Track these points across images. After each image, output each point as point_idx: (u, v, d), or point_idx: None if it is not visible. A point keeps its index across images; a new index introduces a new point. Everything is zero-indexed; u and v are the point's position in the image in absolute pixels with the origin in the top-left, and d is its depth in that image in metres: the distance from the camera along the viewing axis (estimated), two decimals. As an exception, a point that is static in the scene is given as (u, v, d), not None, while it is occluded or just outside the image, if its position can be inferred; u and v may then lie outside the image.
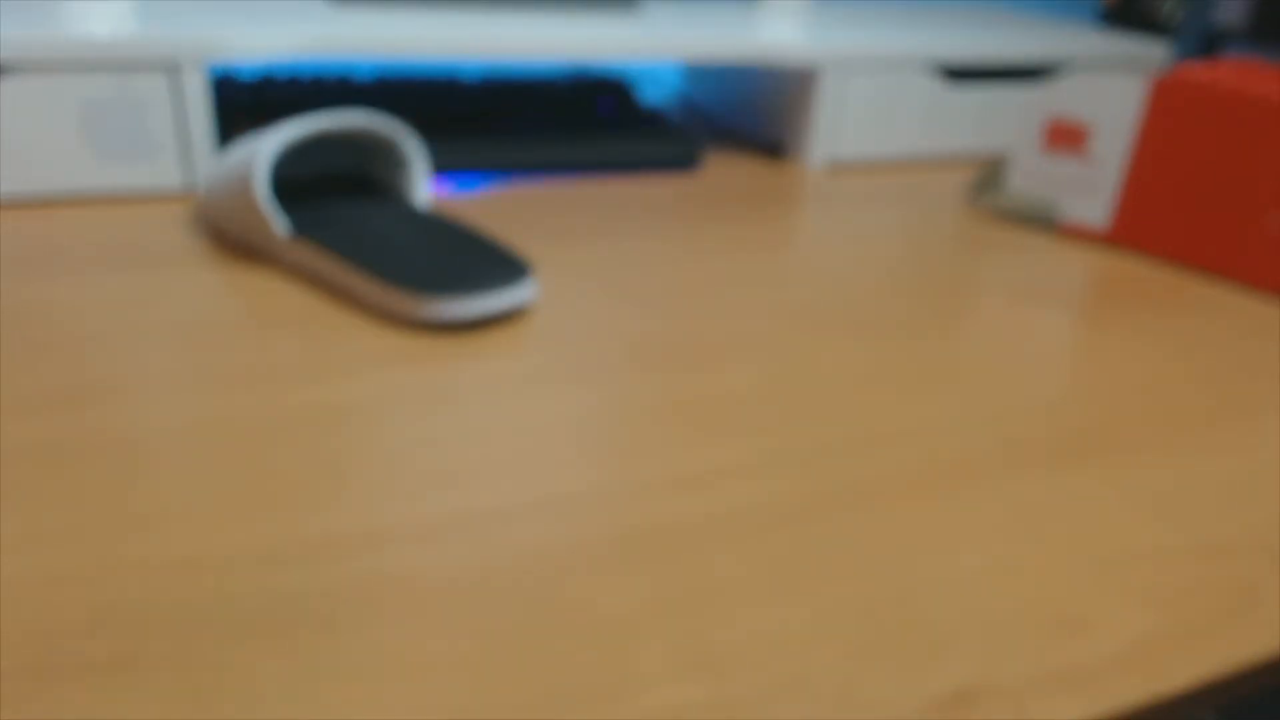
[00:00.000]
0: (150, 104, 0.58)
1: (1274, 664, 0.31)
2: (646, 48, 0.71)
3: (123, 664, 0.26)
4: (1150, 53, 0.86)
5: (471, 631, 0.29)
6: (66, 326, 0.45)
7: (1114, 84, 0.63)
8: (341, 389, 0.41)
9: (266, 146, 0.49)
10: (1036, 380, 0.47)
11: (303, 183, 0.55)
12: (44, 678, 0.26)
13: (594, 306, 0.51)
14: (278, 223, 0.49)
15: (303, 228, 0.50)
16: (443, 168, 0.66)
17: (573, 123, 0.75)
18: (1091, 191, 0.65)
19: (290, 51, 0.61)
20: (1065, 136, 0.65)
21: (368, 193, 0.56)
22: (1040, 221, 0.68)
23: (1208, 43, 1.29)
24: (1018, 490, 0.38)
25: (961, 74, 0.79)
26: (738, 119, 0.86)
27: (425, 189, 0.56)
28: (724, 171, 0.75)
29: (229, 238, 0.55)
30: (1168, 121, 0.61)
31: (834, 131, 0.76)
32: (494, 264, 0.48)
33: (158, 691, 0.26)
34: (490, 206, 0.64)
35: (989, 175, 0.72)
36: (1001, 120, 0.81)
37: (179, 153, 0.60)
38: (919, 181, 0.76)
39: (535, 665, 0.28)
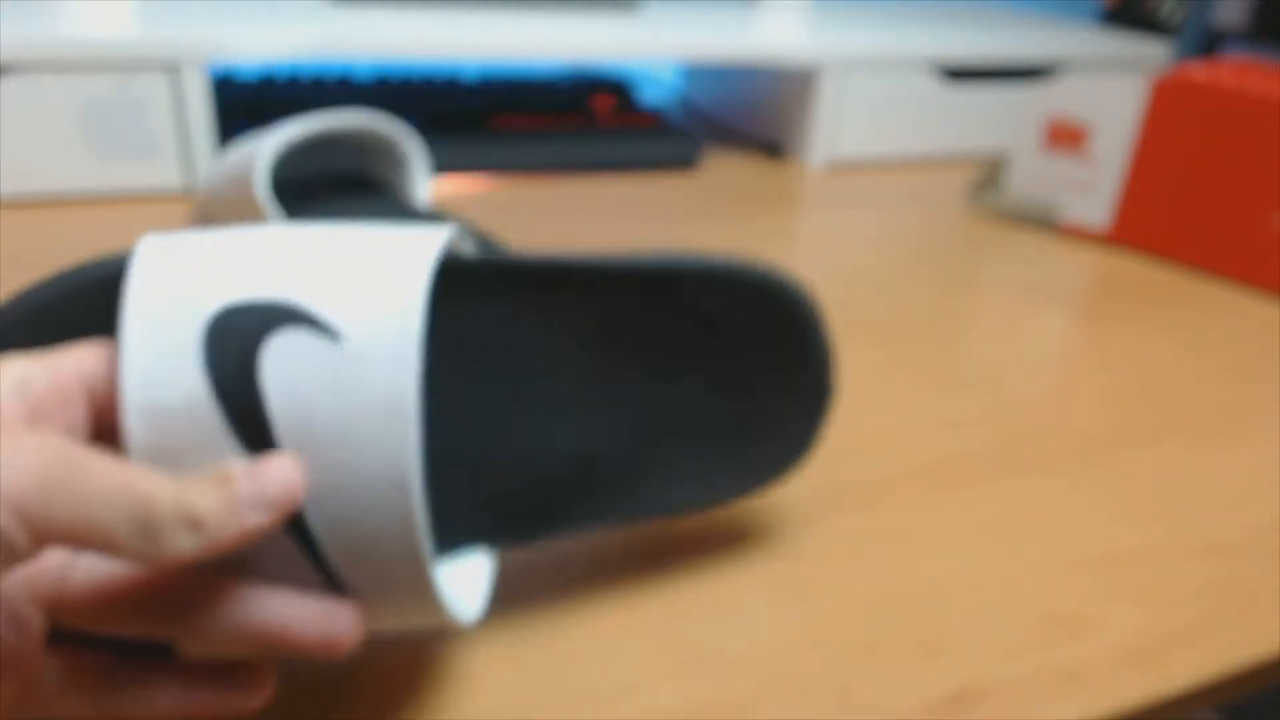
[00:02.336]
0: (150, 104, 0.58)
1: (1273, 664, 0.31)
2: (646, 48, 0.71)
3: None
4: (1150, 53, 0.86)
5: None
6: (66, 326, 0.45)
7: (1114, 84, 0.63)
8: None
9: (266, 146, 0.50)
10: (1036, 380, 0.47)
11: (303, 183, 0.55)
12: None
13: (594, 306, 0.51)
14: (278, 222, 0.49)
15: (303, 228, 0.50)
16: (443, 167, 0.66)
17: (572, 123, 0.75)
18: (1092, 191, 0.65)
19: (290, 52, 0.61)
20: (1065, 136, 0.65)
21: (368, 193, 0.56)
22: (1041, 221, 0.68)
23: (1208, 43, 1.29)
24: (1018, 489, 0.38)
25: (962, 74, 0.79)
26: (737, 119, 0.86)
27: (425, 188, 0.56)
28: (723, 171, 0.75)
29: (229, 238, 0.55)
30: (1168, 121, 0.61)
31: (834, 131, 0.76)
32: (494, 264, 0.48)
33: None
34: (490, 206, 0.64)
35: (989, 175, 0.72)
36: (1002, 120, 0.81)
37: (179, 153, 0.60)
38: (919, 181, 0.76)
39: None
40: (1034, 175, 0.67)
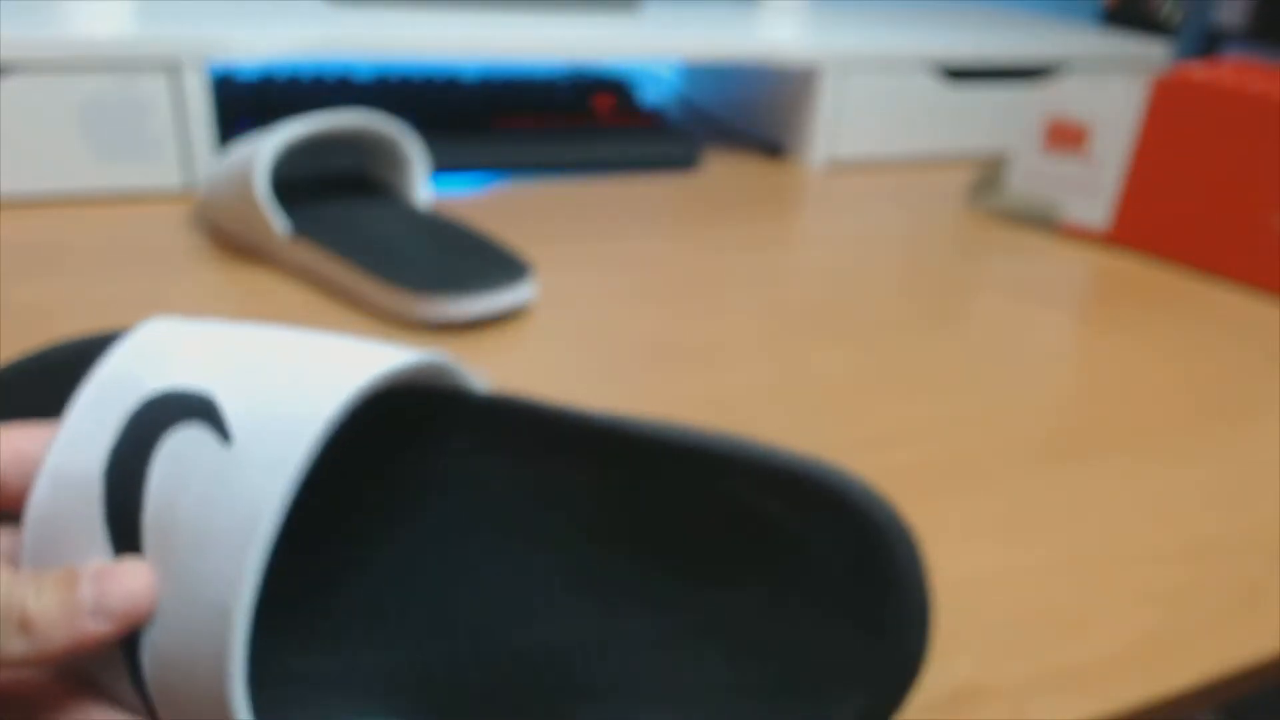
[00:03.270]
0: (151, 104, 0.58)
1: (1273, 664, 0.31)
2: (646, 48, 0.71)
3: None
4: (1150, 53, 0.86)
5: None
6: (66, 327, 0.45)
7: (1114, 84, 0.63)
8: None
9: (267, 146, 0.50)
10: (1036, 380, 0.47)
11: (303, 182, 0.55)
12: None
13: (594, 306, 0.51)
14: (278, 222, 0.49)
15: (303, 227, 0.50)
16: (443, 167, 0.66)
17: (572, 123, 0.75)
18: (1092, 192, 0.65)
19: (290, 51, 0.61)
20: (1065, 137, 0.65)
21: (368, 193, 0.56)
22: (1040, 221, 0.68)
23: (1207, 43, 1.29)
24: (1017, 490, 0.38)
25: (962, 74, 0.79)
26: (737, 119, 0.86)
27: (425, 189, 0.56)
28: (724, 171, 0.75)
29: (229, 237, 0.55)
30: (1168, 121, 0.61)
31: (834, 131, 0.76)
32: (494, 263, 0.48)
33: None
34: (490, 206, 0.64)
35: (989, 175, 0.72)
36: (1002, 120, 0.81)
37: (179, 153, 0.60)
38: (919, 181, 0.76)
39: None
40: (1034, 175, 0.67)
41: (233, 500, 0.21)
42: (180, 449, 0.21)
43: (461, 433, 0.26)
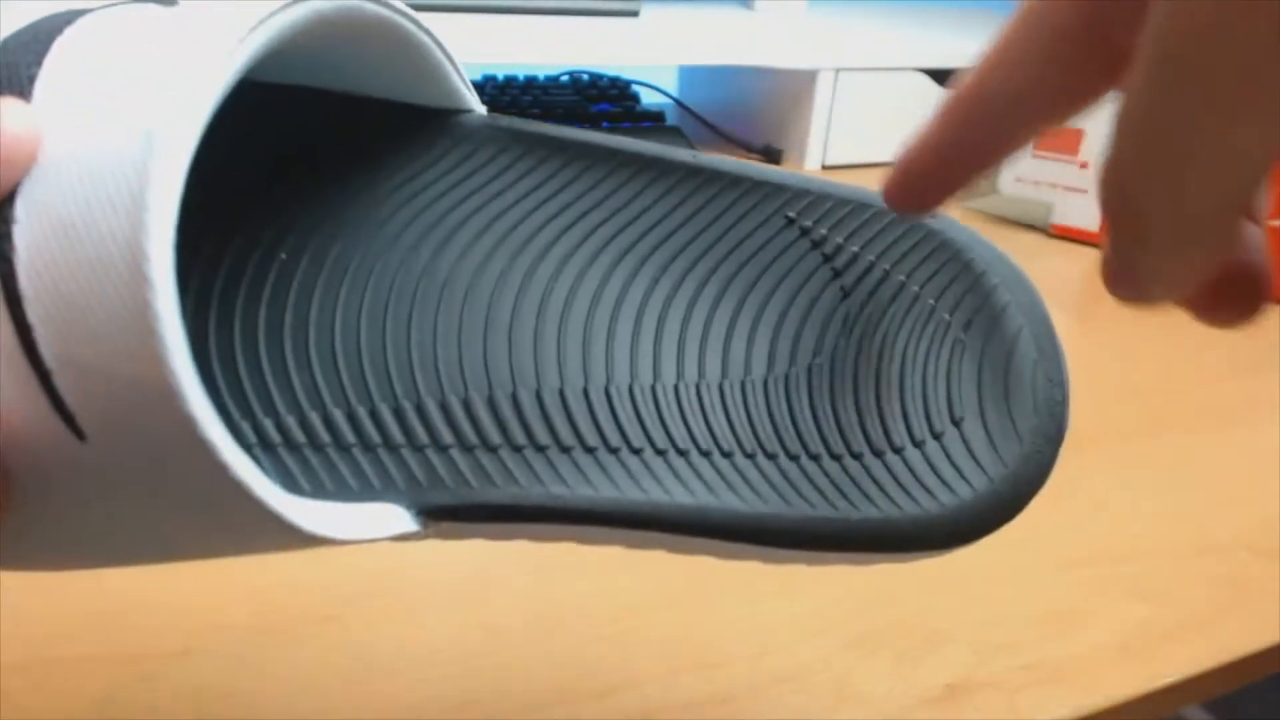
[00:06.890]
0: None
1: (1261, 658, 0.32)
2: (646, 52, 0.72)
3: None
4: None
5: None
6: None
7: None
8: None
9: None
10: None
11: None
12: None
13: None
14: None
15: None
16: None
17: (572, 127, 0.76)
18: (1084, 193, 0.65)
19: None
20: (1058, 138, 0.66)
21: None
22: (1033, 223, 0.68)
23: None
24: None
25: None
26: (735, 123, 0.87)
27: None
28: (721, 175, 0.75)
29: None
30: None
31: (830, 135, 0.77)
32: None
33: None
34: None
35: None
36: (996, 123, 0.82)
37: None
38: (914, 184, 0.76)
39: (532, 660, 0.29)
40: (1026, 177, 0.68)
41: (182, 33, 0.16)
42: (102, 17, 0.16)
43: (462, 146, 0.21)
